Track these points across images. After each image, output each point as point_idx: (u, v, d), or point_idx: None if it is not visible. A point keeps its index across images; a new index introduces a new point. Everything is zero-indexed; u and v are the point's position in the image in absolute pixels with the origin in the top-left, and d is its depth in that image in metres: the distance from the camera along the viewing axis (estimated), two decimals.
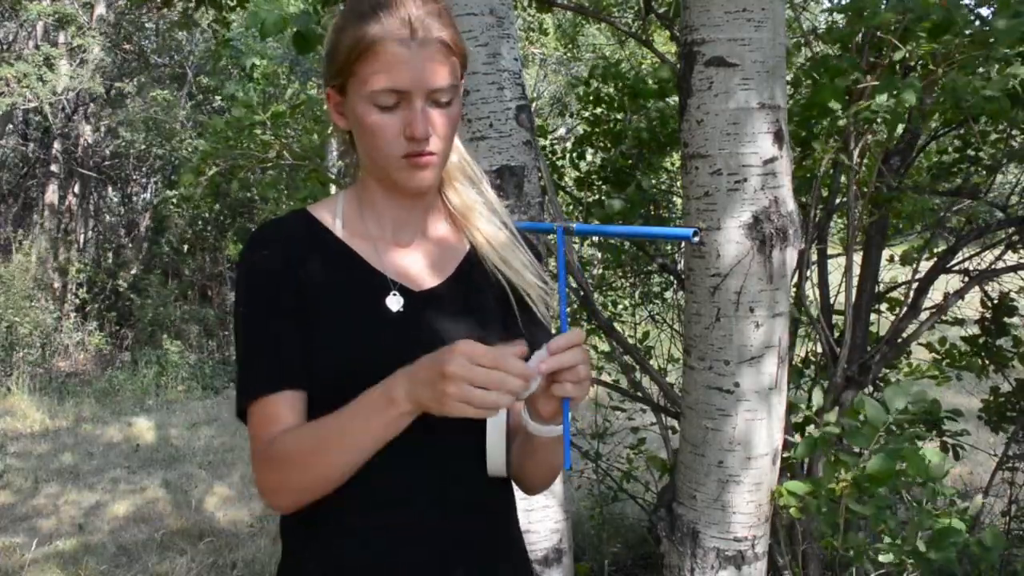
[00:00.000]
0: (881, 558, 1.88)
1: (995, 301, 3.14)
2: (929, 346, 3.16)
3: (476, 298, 1.17)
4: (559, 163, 3.83)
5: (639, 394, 3.15)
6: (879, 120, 2.28)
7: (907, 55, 2.32)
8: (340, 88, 1.13)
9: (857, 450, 2.00)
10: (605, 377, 3.77)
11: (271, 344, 1.13)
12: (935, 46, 2.22)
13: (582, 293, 2.64)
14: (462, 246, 1.23)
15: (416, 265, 1.19)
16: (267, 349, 1.13)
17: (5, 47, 10.95)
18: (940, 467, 1.83)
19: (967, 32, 2.25)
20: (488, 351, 0.97)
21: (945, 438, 2.98)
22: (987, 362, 3.12)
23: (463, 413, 0.97)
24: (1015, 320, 3.21)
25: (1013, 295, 3.18)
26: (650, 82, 3.31)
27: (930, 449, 1.88)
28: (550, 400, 1.05)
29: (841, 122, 2.36)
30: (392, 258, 1.18)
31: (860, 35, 2.39)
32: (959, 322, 3.15)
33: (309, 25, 2.42)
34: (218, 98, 9.89)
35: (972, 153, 3.10)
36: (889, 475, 1.79)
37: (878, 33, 2.32)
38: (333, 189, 3.30)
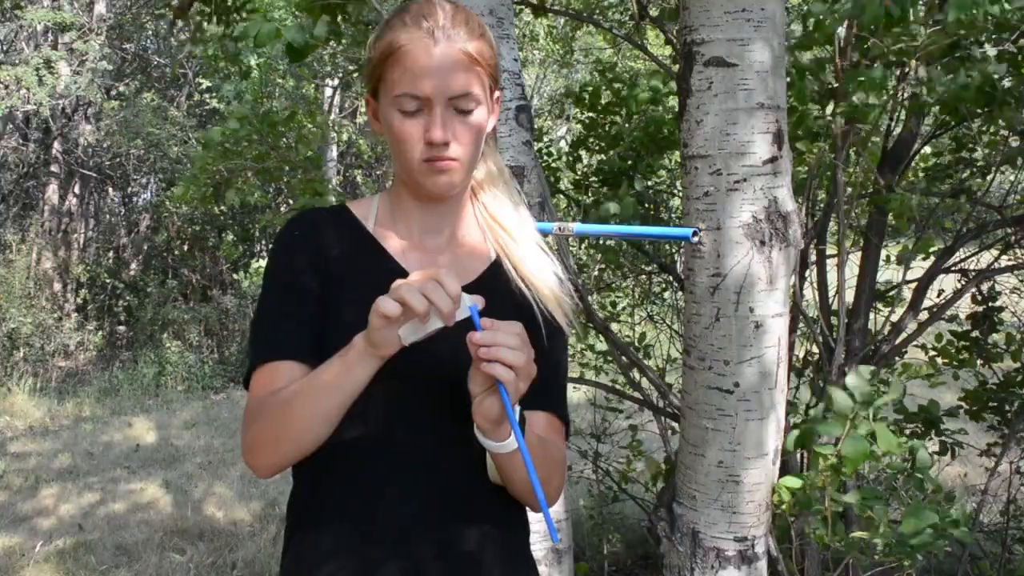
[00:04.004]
0: (876, 553, 1.88)
1: (985, 296, 3.16)
2: (923, 347, 3.17)
3: (494, 307, 1.17)
4: (555, 165, 3.83)
5: (637, 395, 3.15)
6: (862, 120, 2.30)
7: (885, 51, 2.33)
8: (374, 93, 1.18)
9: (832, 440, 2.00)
10: (604, 378, 3.77)
11: (282, 317, 1.18)
12: (904, 40, 2.24)
13: (577, 294, 2.65)
14: (488, 255, 1.25)
15: (439, 268, 1.20)
16: (278, 321, 1.18)
17: (5, 48, 10.95)
18: (925, 459, 1.85)
19: (936, 21, 2.26)
20: (432, 271, 1.02)
21: (943, 437, 2.99)
22: (978, 357, 3.14)
23: (380, 309, 1.00)
24: (1005, 316, 3.23)
25: (1004, 293, 3.20)
26: (644, 84, 3.31)
27: (917, 442, 1.89)
28: (484, 380, 1.05)
29: (821, 122, 2.37)
30: (416, 259, 1.21)
31: (839, 38, 2.40)
32: (952, 319, 3.17)
33: (302, 37, 2.48)
34: (214, 100, 9.88)
35: (967, 155, 3.11)
36: (863, 455, 1.80)
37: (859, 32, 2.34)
38: (333, 199, 3.30)
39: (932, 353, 3.19)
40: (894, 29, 2.26)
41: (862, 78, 2.23)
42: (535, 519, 1.34)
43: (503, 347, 1.00)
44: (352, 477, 1.16)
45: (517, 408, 1.10)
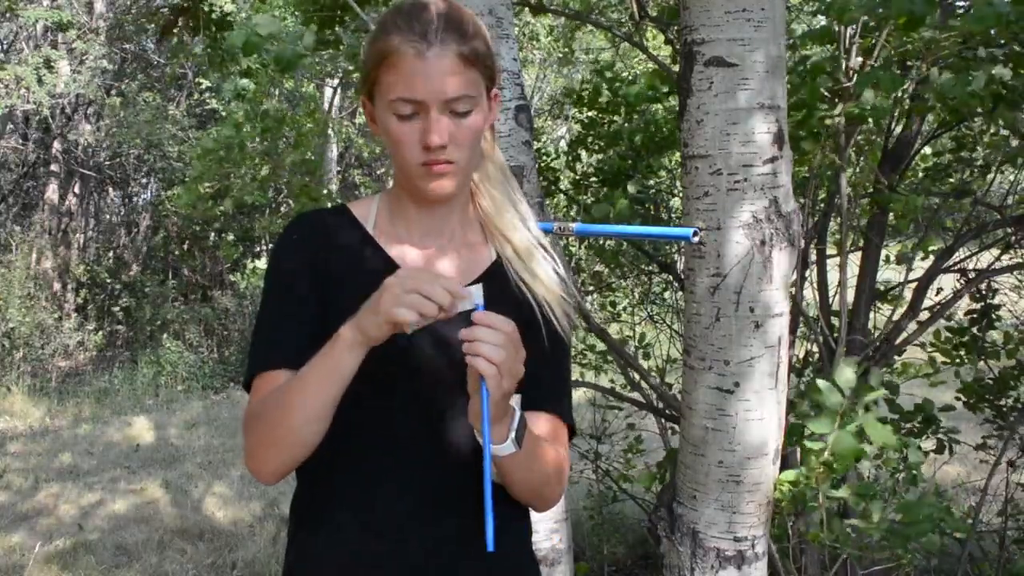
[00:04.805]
0: (873, 537, 1.88)
1: (983, 293, 3.16)
2: (923, 345, 3.17)
3: (495, 307, 1.15)
4: (555, 164, 3.83)
5: (636, 396, 3.15)
6: (868, 120, 2.30)
7: (892, 52, 2.33)
8: (370, 96, 1.17)
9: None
10: (604, 378, 3.77)
11: (282, 322, 1.18)
12: (917, 42, 2.24)
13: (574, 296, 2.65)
14: (489, 255, 1.24)
15: (438, 269, 1.20)
16: (278, 327, 1.18)
17: (5, 48, 10.95)
18: (918, 456, 1.85)
19: (950, 25, 2.27)
20: (425, 270, 1.04)
21: (940, 435, 2.99)
22: (976, 355, 3.15)
23: (395, 317, 1.00)
24: (1003, 314, 3.23)
25: (1003, 291, 3.20)
26: (643, 83, 3.31)
27: (909, 439, 1.90)
28: (475, 379, 1.04)
29: (828, 122, 2.37)
30: (416, 260, 1.21)
31: (846, 37, 2.40)
32: (950, 317, 3.17)
33: (292, 47, 2.45)
34: (214, 100, 9.87)
35: (967, 155, 3.11)
36: (854, 451, 1.80)
37: (861, 35, 2.34)
38: (329, 205, 3.29)
39: (931, 351, 3.19)
40: (906, 31, 2.26)
41: (876, 80, 2.23)
42: (537, 519, 1.34)
43: (483, 342, 1.00)
44: (354, 467, 1.17)
45: (518, 412, 1.09)
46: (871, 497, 1.90)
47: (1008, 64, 2.34)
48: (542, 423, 1.20)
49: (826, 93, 2.45)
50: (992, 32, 2.19)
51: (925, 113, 2.76)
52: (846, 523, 1.95)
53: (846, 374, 1.85)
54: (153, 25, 10.27)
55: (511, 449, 1.09)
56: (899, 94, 2.60)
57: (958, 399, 3.20)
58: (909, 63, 2.56)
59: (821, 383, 1.86)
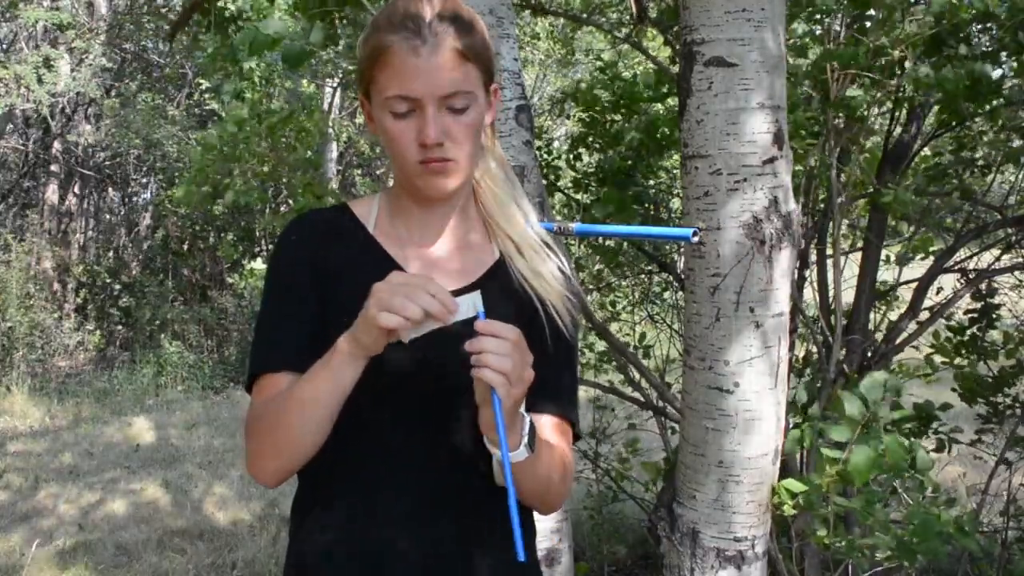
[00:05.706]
0: (879, 555, 1.88)
1: (983, 292, 3.16)
2: (917, 348, 3.18)
3: (498, 306, 1.13)
4: (555, 163, 3.83)
5: (637, 395, 3.15)
6: (854, 115, 2.31)
7: (870, 45, 2.34)
8: (367, 94, 1.15)
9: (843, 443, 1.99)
10: (603, 378, 3.77)
11: (283, 323, 1.17)
12: (887, 33, 2.26)
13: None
14: (491, 254, 1.23)
15: (440, 268, 1.19)
16: (278, 327, 1.18)
17: (5, 47, 10.95)
18: (926, 461, 1.85)
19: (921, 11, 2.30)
20: (416, 275, 1.03)
21: (939, 435, 2.99)
22: (975, 354, 3.15)
23: (379, 322, 1.00)
24: (1003, 313, 3.24)
25: (1004, 291, 3.20)
26: (643, 85, 3.31)
27: (915, 443, 1.89)
28: (484, 389, 1.04)
29: (808, 115, 2.38)
30: (417, 260, 1.20)
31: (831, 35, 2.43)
32: (949, 317, 3.17)
33: (300, 44, 2.45)
34: (213, 100, 9.86)
35: (967, 155, 3.11)
36: (872, 466, 1.79)
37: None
38: (330, 201, 3.29)
39: (929, 351, 3.19)
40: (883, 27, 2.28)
41: (834, 58, 2.26)
42: (537, 519, 1.34)
43: (489, 353, 1.00)
44: (352, 475, 1.17)
45: (527, 418, 1.09)
46: (879, 503, 1.89)
47: (987, 59, 2.37)
48: (546, 425, 1.20)
49: (812, 93, 2.46)
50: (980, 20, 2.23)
51: (910, 105, 2.77)
52: (859, 541, 1.93)
53: (871, 386, 1.83)
54: (155, 23, 10.29)
55: (524, 455, 1.08)
56: (887, 89, 2.61)
57: (954, 391, 3.20)
58: (891, 55, 2.57)
59: (844, 395, 1.85)
